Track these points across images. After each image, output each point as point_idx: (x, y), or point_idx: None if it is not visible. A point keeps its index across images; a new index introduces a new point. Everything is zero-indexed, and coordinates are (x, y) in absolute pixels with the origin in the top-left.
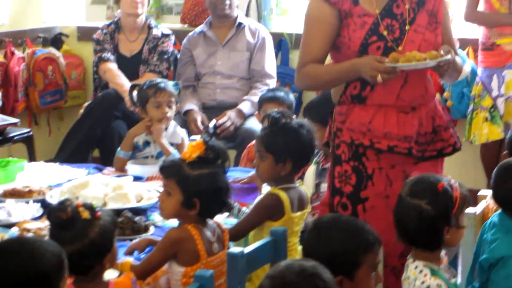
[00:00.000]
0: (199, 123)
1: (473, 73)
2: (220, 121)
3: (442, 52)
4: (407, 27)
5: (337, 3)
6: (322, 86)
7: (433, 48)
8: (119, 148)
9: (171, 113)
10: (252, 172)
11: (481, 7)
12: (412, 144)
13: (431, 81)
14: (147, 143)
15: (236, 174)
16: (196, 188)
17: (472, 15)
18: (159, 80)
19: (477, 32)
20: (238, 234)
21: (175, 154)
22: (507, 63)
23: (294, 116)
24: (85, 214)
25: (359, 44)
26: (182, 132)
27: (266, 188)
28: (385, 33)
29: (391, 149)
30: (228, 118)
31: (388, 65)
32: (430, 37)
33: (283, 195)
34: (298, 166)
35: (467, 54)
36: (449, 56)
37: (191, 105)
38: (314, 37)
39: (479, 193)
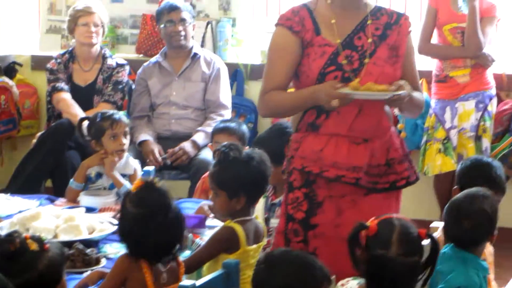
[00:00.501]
0: (157, 154)
1: (427, 104)
2: (171, 150)
3: (393, 87)
4: (366, 60)
5: (300, 32)
6: (284, 112)
7: (391, 81)
8: (72, 179)
9: (127, 143)
10: (203, 202)
11: (434, 40)
12: (361, 175)
13: (390, 114)
14: (99, 175)
15: (189, 205)
16: (130, 227)
17: (425, 48)
18: (110, 111)
19: (431, 64)
20: (192, 266)
21: (126, 185)
22: (460, 95)
23: (246, 147)
24: (33, 246)
25: (317, 73)
26: (134, 163)
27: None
28: (343, 63)
29: (339, 179)
30: (180, 148)
31: (342, 91)
32: (389, 70)
33: (238, 228)
34: (252, 198)
35: (421, 86)
36: (402, 92)
37: (146, 135)
38: (277, 64)
39: (431, 225)
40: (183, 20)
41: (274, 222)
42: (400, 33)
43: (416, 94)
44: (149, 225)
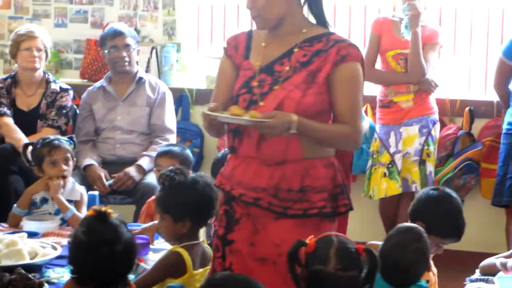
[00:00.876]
0: (104, 180)
1: (371, 129)
2: (117, 176)
3: (259, 115)
4: (276, 86)
5: (231, 56)
6: (209, 132)
7: (297, 106)
8: (15, 205)
9: (68, 169)
10: (146, 224)
11: (378, 66)
12: (261, 196)
13: (304, 141)
14: (44, 200)
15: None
16: (76, 254)
17: (369, 74)
18: (52, 137)
19: (375, 89)
20: None
21: (72, 210)
22: (404, 120)
23: (190, 172)
24: None
25: (235, 95)
26: (81, 189)
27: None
28: (254, 86)
29: (239, 197)
30: (125, 173)
31: (206, 112)
32: (296, 95)
33: (184, 253)
34: (198, 222)
35: (365, 111)
36: (265, 119)
37: (91, 160)
38: (217, 86)
39: (369, 242)
40: (127, 46)
41: None
42: (325, 60)
43: (325, 126)
44: (95, 255)
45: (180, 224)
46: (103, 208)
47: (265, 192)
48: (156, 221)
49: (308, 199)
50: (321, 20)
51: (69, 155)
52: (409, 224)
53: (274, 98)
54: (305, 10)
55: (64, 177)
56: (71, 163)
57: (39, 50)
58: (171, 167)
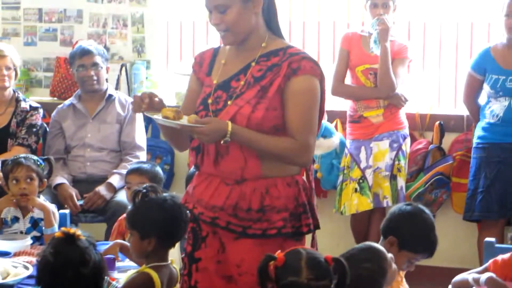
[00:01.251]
0: (75, 199)
1: (342, 145)
2: (87, 197)
3: (186, 118)
4: (229, 102)
5: (196, 72)
6: (169, 141)
7: (248, 122)
8: None
9: (30, 188)
10: (115, 241)
11: (347, 81)
12: (218, 215)
13: (264, 158)
14: (16, 219)
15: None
16: (43, 274)
17: (339, 89)
18: (21, 155)
19: (344, 104)
20: None
21: (55, 229)
22: (374, 135)
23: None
24: None
25: (195, 112)
26: (51, 207)
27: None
28: (209, 103)
29: (199, 216)
30: (95, 193)
31: (147, 114)
32: (246, 110)
33: (154, 275)
34: (165, 242)
35: (335, 126)
36: (197, 124)
37: (62, 178)
38: (184, 100)
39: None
40: (95, 65)
41: None
42: (276, 74)
43: (262, 137)
44: (61, 277)
45: (146, 241)
46: (72, 230)
47: (222, 212)
48: (118, 240)
49: (268, 218)
50: (277, 32)
51: (33, 174)
52: (370, 243)
53: (225, 114)
54: None
55: (25, 195)
56: (35, 182)
57: (8, 68)
58: (145, 185)
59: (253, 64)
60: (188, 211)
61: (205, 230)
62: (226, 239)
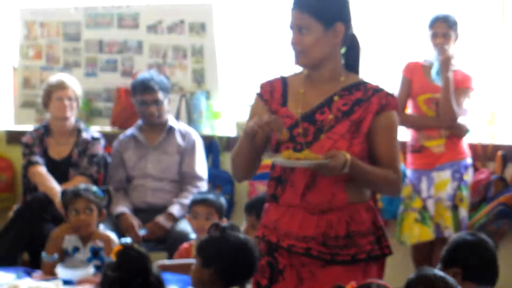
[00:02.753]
0: (137, 230)
1: (402, 175)
2: (149, 230)
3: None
4: (322, 135)
5: (267, 101)
6: (240, 167)
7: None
8: (43, 253)
9: (88, 219)
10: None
11: (408, 110)
12: (311, 245)
13: (350, 188)
14: (76, 249)
15: (167, 277)
16: None
17: (400, 118)
18: (82, 186)
19: (405, 135)
20: None
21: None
22: (435, 165)
23: (224, 219)
24: None
25: (274, 144)
26: (112, 236)
27: None
28: (297, 136)
29: (289, 248)
30: (155, 223)
31: (272, 159)
32: (342, 145)
33: None
34: (224, 278)
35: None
36: (324, 160)
37: (123, 208)
38: None
39: None
40: (156, 101)
41: None
42: (367, 110)
43: (373, 169)
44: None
45: (205, 271)
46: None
47: (314, 241)
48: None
49: (356, 244)
50: (356, 68)
51: (92, 205)
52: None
53: (320, 148)
54: None
55: (84, 226)
56: (95, 213)
57: (70, 99)
58: (227, 223)
59: (336, 98)
60: (266, 244)
61: (282, 263)
62: (313, 267)
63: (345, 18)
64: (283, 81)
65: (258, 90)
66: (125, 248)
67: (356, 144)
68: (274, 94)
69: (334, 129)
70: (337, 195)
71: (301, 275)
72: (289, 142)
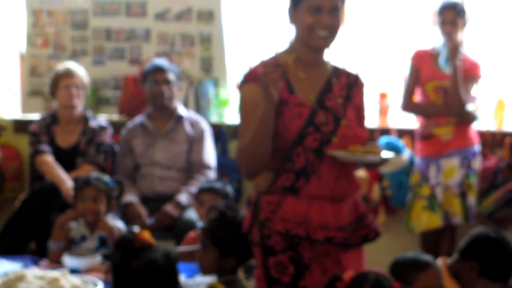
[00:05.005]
0: (144, 218)
1: (411, 162)
2: (157, 218)
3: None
4: (343, 122)
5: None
6: (254, 156)
7: (362, 143)
8: (50, 241)
9: (96, 208)
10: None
11: (417, 97)
12: (347, 234)
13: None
14: (84, 238)
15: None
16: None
17: (409, 105)
18: (93, 175)
19: (413, 122)
20: None
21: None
22: (444, 152)
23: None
24: None
25: (295, 134)
26: (119, 225)
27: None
28: (320, 125)
29: (329, 240)
30: (162, 212)
31: (332, 153)
32: (359, 132)
33: None
34: (241, 260)
35: (405, 144)
36: (387, 156)
37: (131, 197)
38: (250, 122)
39: None
40: (168, 81)
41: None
42: (359, 94)
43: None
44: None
45: (224, 259)
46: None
47: (347, 230)
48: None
49: (364, 225)
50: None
51: (101, 194)
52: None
53: (343, 137)
54: None
55: (92, 214)
56: (103, 202)
57: (77, 87)
58: (222, 203)
59: (334, 80)
60: (286, 238)
61: (306, 257)
62: (339, 254)
63: None
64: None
65: (254, 79)
66: (124, 235)
67: (365, 129)
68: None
69: (347, 116)
70: (353, 181)
71: (325, 265)
72: (315, 133)
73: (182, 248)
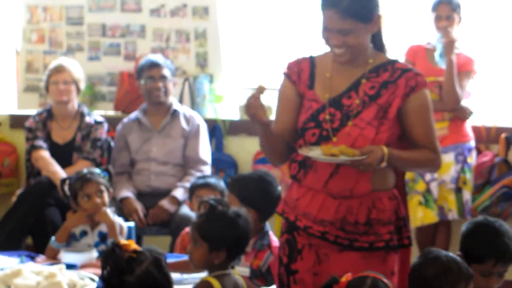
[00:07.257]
0: (141, 214)
1: None
2: (152, 213)
3: (357, 152)
4: (349, 122)
5: (295, 82)
6: (267, 154)
7: (371, 143)
8: (53, 238)
9: (101, 202)
10: (183, 257)
11: None
12: (328, 229)
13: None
14: (84, 233)
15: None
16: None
17: None
18: (85, 170)
19: None
20: None
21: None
22: None
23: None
24: None
25: (300, 127)
26: (119, 220)
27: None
28: (323, 122)
29: (306, 229)
30: (159, 207)
31: (301, 152)
32: (369, 133)
33: (215, 283)
34: (232, 255)
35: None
36: (361, 157)
37: (127, 192)
38: (278, 110)
39: None
40: (163, 77)
41: (240, 270)
42: (394, 93)
43: (410, 154)
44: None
45: (214, 254)
46: (122, 242)
47: (331, 226)
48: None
49: (375, 232)
50: (383, 47)
51: (102, 187)
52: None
53: (346, 136)
54: None
55: (99, 210)
56: (106, 194)
57: (66, 83)
58: (213, 197)
59: (363, 81)
60: (286, 221)
61: (300, 242)
62: (329, 251)
63: (379, 6)
64: (311, 61)
65: (285, 71)
66: (112, 246)
67: (384, 131)
68: (301, 75)
69: (361, 115)
70: (361, 183)
71: (320, 255)
72: (315, 128)
73: (171, 259)
